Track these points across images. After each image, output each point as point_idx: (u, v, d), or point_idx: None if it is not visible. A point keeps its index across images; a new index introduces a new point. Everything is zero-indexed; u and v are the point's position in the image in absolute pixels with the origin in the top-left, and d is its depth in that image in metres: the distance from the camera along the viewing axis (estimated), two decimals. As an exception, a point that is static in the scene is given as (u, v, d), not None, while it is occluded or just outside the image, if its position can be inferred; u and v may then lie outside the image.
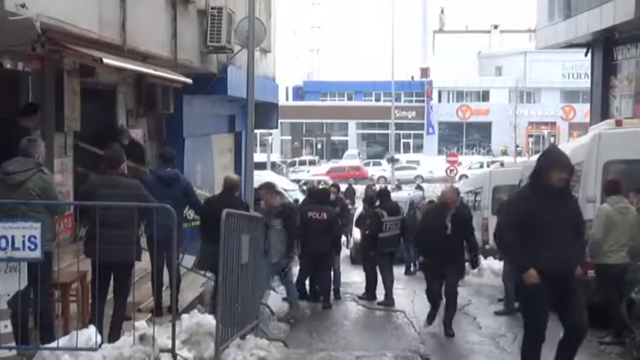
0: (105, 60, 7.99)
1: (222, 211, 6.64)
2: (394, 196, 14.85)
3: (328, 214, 11.11)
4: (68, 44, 7.73)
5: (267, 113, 18.68)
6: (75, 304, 7.20)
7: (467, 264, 9.98)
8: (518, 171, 15.91)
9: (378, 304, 11.58)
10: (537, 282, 5.64)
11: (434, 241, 9.31)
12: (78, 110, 9.35)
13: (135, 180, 7.11)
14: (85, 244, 6.75)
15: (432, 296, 9.60)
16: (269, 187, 10.82)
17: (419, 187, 32.47)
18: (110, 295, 6.81)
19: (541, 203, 5.77)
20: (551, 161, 5.88)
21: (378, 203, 12.17)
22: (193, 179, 13.02)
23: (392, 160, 43.90)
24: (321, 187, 14.62)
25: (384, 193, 12.65)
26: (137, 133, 11.84)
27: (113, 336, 6.45)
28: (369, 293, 12.11)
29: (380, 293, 11.86)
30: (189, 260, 9.83)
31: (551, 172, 5.79)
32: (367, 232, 12.09)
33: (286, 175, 43.36)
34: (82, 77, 9.39)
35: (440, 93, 63.36)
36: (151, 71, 10.23)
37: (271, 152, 46.39)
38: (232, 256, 6.83)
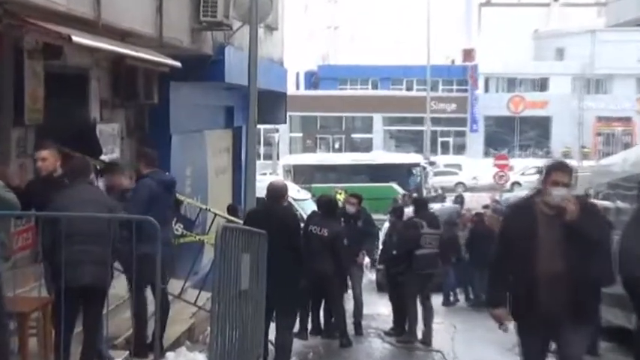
0: (74, 38, 8.00)
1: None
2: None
3: (329, 231, 10.86)
4: (30, 18, 7.76)
5: (272, 105, 18.71)
6: (35, 338, 7.20)
7: None
8: (586, 177, 15.80)
9: (398, 340, 11.61)
10: None
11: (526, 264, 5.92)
12: (41, 100, 9.38)
13: (99, 189, 7.21)
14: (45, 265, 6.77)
15: None
16: None
17: (459, 198, 32.35)
18: (79, 328, 6.81)
19: None
20: None
21: (413, 213, 12.21)
22: (182, 185, 13.04)
23: (428, 164, 43.82)
24: (331, 196, 14.31)
25: (421, 201, 12.95)
26: (113, 128, 11.87)
27: (82, 378, 6.46)
28: (398, 328, 12.08)
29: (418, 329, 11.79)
30: (177, 285, 9.82)
31: None
32: (395, 251, 12.08)
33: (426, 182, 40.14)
34: (46, 59, 9.41)
35: (487, 81, 63.21)
36: (131, 52, 10.25)
37: (278, 155, 46.40)
38: (229, 280, 6.82)
